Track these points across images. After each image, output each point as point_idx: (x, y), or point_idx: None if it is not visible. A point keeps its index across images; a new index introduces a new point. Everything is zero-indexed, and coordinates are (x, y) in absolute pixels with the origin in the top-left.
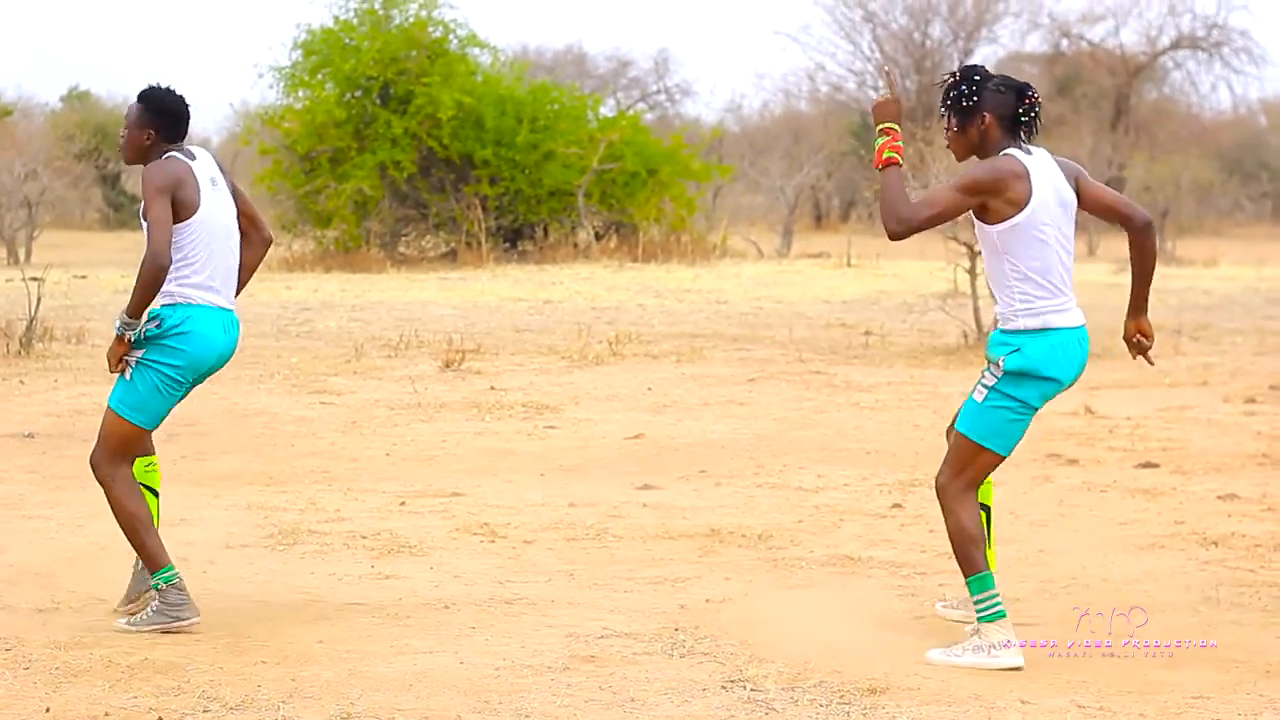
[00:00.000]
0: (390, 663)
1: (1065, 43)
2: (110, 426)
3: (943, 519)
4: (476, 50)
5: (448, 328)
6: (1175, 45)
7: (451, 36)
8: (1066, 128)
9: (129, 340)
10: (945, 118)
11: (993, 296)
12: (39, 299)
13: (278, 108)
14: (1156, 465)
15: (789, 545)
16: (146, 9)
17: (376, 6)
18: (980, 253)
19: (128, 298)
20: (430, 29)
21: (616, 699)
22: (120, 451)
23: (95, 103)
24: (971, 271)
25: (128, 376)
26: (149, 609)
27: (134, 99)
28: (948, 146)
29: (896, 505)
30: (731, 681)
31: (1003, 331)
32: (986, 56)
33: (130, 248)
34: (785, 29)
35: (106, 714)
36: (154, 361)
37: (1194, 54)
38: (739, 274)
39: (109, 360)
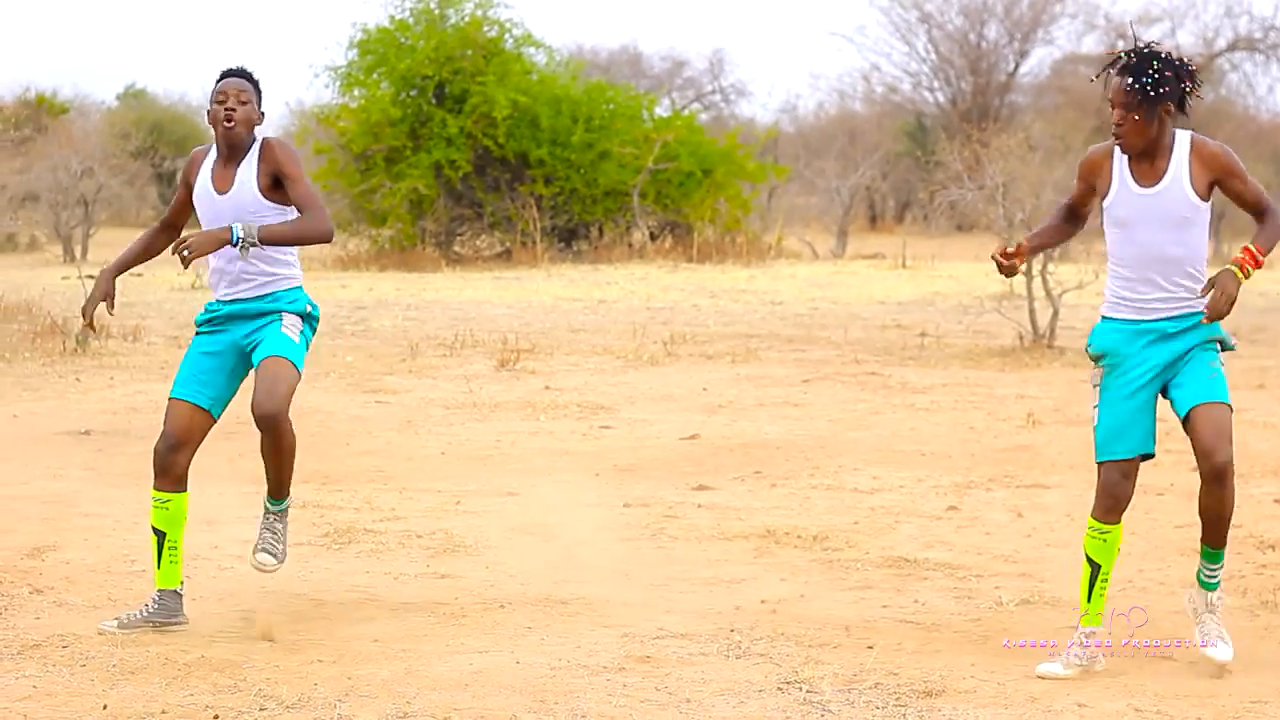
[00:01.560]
0: (446, 662)
1: (1121, 44)
2: (292, 378)
3: (1223, 494)
4: (532, 49)
5: (503, 327)
6: (1232, 47)
7: (507, 36)
8: None
9: (239, 246)
10: (1134, 105)
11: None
12: None
13: (333, 107)
14: None
15: (844, 547)
16: (204, 7)
17: (432, 6)
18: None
19: (185, 295)
20: (485, 28)
21: (672, 699)
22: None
23: (151, 101)
24: (1027, 273)
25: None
26: (272, 531)
27: (241, 78)
28: (1120, 138)
29: (952, 507)
30: (787, 683)
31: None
32: (1042, 58)
33: None
34: (840, 30)
35: (163, 711)
36: (306, 334)
37: (1250, 56)
38: (794, 275)
39: (202, 243)
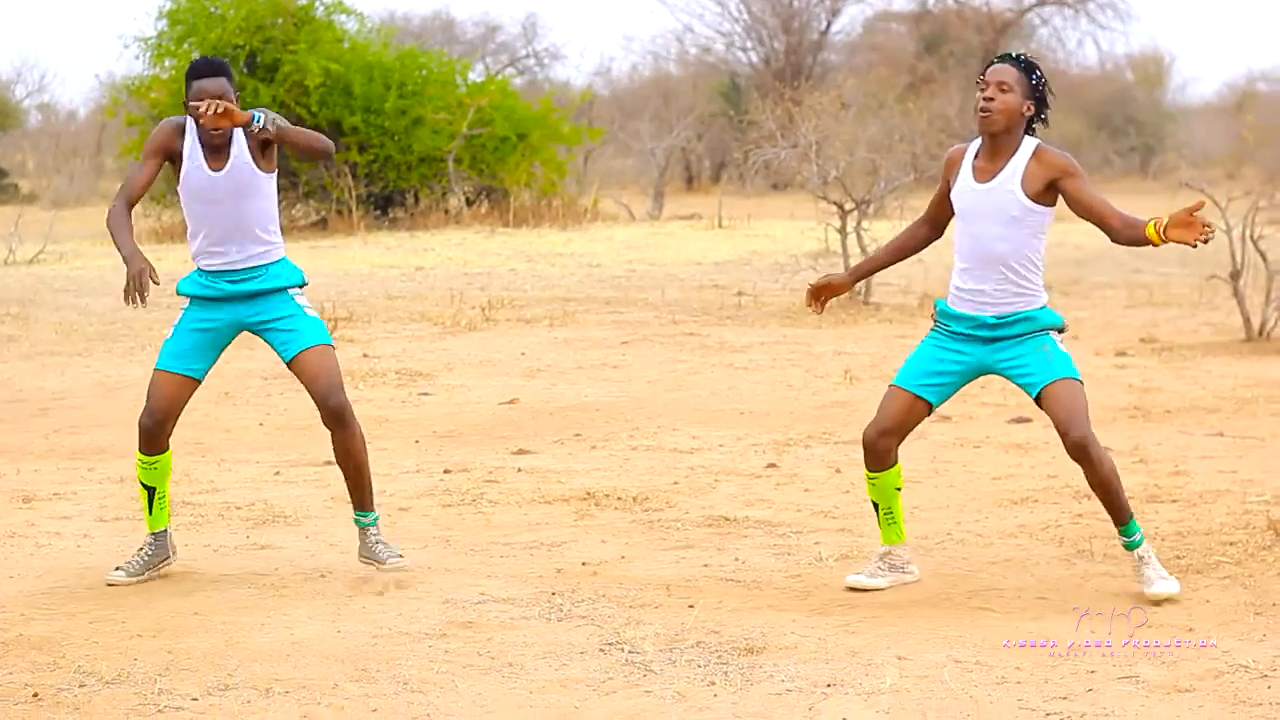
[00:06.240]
0: (267, 633)
1: (932, 1)
2: (336, 362)
3: (1092, 468)
4: (343, 17)
5: (320, 296)
6: (1041, 2)
7: (317, 3)
8: (935, 86)
9: (248, 127)
10: (1010, 80)
11: (983, 272)
12: None
13: (144, 78)
14: (1029, 420)
15: (665, 507)
16: None
17: None
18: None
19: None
20: None
21: (494, 664)
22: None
23: None
24: (842, 231)
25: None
26: (379, 542)
27: (219, 73)
28: (987, 112)
29: (771, 465)
30: (609, 644)
31: (1046, 308)
32: (854, 16)
33: (8, 215)
34: None
35: None
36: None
37: (1060, 10)
38: (611, 237)
39: (230, 113)
